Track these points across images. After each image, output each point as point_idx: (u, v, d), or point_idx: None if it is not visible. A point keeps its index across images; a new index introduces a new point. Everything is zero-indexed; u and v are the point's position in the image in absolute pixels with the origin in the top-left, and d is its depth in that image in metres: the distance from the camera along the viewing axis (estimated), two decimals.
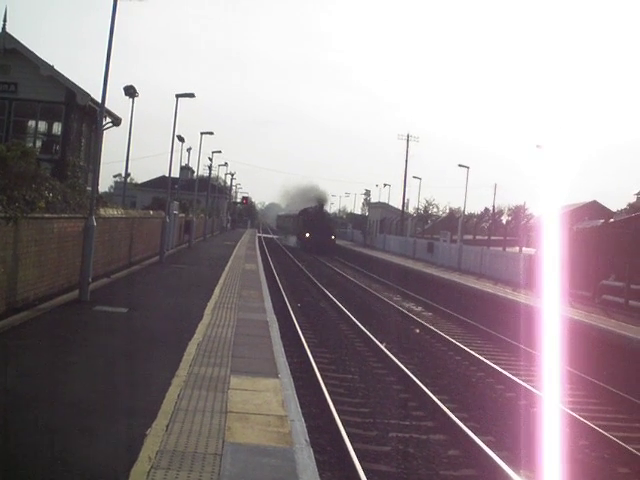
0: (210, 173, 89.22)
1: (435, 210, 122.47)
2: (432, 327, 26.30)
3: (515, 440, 12.81)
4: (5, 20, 29.88)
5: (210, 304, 19.69)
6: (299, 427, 8.92)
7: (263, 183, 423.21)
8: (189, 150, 64.14)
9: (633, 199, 75.88)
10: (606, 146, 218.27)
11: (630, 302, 29.03)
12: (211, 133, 57.90)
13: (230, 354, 13.01)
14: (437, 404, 14.52)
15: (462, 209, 79.68)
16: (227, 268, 33.09)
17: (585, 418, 14.46)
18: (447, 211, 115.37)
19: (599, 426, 13.96)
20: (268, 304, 21.26)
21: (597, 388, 17.99)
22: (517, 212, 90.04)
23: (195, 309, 18.42)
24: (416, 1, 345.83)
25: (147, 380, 10.63)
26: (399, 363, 18.49)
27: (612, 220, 39.79)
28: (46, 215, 17.84)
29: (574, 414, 14.62)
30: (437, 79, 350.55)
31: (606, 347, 21.12)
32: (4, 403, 8.82)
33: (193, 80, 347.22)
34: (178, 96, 37.25)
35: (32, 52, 30.20)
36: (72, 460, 7.11)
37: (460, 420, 13.40)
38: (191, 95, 37.46)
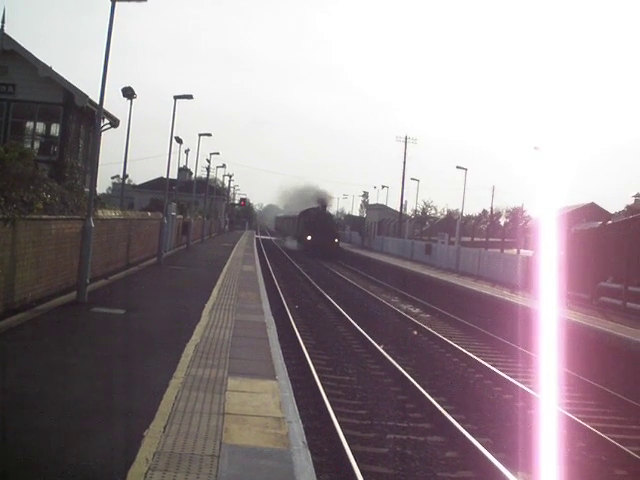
0: (208, 175, 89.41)
1: (433, 212, 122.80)
2: (430, 329, 26.28)
3: (512, 442, 12.80)
4: (3, 21, 29.86)
5: (208, 306, 19.69)
6: (296, 429, 8.92)
7: (261, 185, 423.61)
8: (187, 152, 63.97)
9: (631, 201, 75.89)
10: (604, 148, 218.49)
11: (628, 304, 29.05)
12: (209, 134, 57.90)
13: (228, 356, 13.01)
14: (434, 406, 14.52)
15: (460, 211, 79.53)
16: (225, 270, 33.08)
17: (583, 420, 14.46)
18: (445, 213, 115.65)
19: (597, 428, 13.96)
20: (266, 306, 21.26)
21: (595, 390, 17.98)
22: (515, 214, 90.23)
23: (193, 311, 18.41)
24: (414, 2, 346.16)
25: (145, 381, 10.63)
26: (397, 365, 18.47)
27: (610, 222, 39.82)
28: (44, 216, 17.84)
29: (572, 416, 14.62)
30: (435, 80, 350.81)
31: (604, 349, 21.14)
32: (2, 404, 8.81)
33: (191, 81, 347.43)
34: (176, 97, 37.25)
35: (30, 53, 30.18)
36: (69, 461, 7.11)
37: (458, 422, 13.39)
38: (189, 97, 37.45)
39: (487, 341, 25.10)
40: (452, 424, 13.25)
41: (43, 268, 18.13)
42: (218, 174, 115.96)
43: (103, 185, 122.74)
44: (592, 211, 62.72)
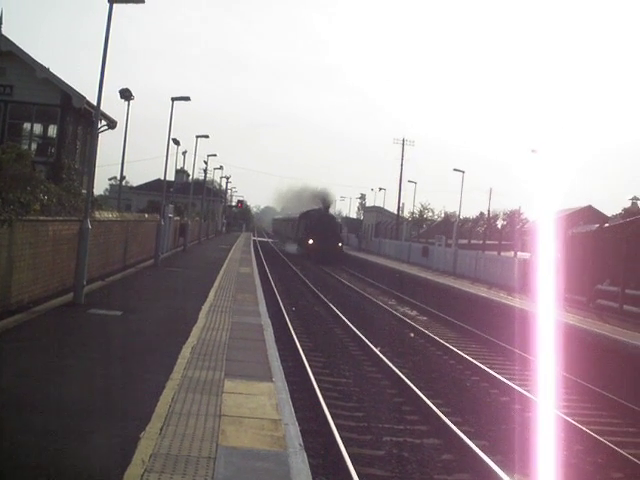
0: (205, 176, 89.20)
1: (430, 214, 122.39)
2: (426, 331, 26.31)
3: (509, 444, 12.82)
4: (0, 22, 29.90)
5: (205, 307, 19.67)
6: (293, 431, 8.91)
7: (258, 187, 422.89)
8: (184, 153, 64.04)
9: (628, 204, 75.99)
10: (601, 151, 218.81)
11: (625, 307, 29.05)
12: (206, 136, 57.88)
13: (224, 357, 13.00)
14: (431, 408, 14.52)
15: (457, 213, 79.57)
16: (222, 271, 33.06)
17: (580, 423, 14.46)
18: (442, 215, 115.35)
19: (594, 431, 13.96)
20: (262, 308, 21.24)
21: (592, 393, 17.99)
22: (512, 216, 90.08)
23: (190, 312, 18.39)
24: (412, 5, 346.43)
25: (141, 383, 10.62)
26: (393, 367, 18.48)
27: (607, 225, 39.82)
28: (41, 218, 17.83)
29: (569, 419, 14.62)
30: (432, 83, 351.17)
31: (601, 352, 21.13)
32: None
33: (189, 83, 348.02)
34: (174, 99, 37.29)
35: (28, 55, 30.19)
36: (66, 462, 7.10)
37: (454, 424, 13.40)
38: (186, 98, 37.49)
39: (484, 344, 25.11)
40: (449, 426, 13.25)
41: (40, 269, 18.12)
42: (215, 176, 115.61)
43: (100, 186, 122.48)
44: (589, 214, 62.75)
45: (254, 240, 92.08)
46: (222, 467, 7.30)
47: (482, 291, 36.54)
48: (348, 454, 11.06)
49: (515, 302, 30.83)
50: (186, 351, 13.23)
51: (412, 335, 26.17)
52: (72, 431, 8.13)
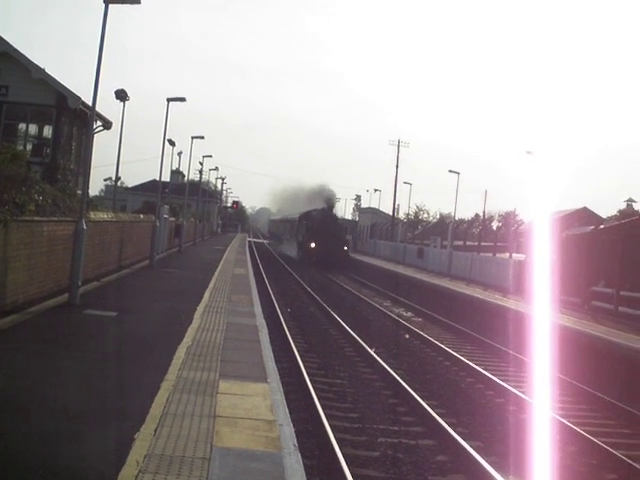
0: (201, 177, 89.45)
1: (425, 216, 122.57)
2: (421, 332, 26.32)
3: (504, 446, 12.83)
4: None
5: (200, 308, 19.68)
6: (288, 432, 8.92)
7: (254, 188, 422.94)
8: (180, 154, 64.09)
9: (623, 206, 76.19)
10: (597, 153, 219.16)
11: (619, 308, 29.09)
12: (202, 137, 57.92)
13: (219, 358, 13.00)
14: (426, 409, 14.53)
15: (452, 215, 79.74)
16: (217, 272, 33.06)
17: (574, 424, 14.48)
18: (437, 217, 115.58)
19: (588, 432, 13.98)
20: (257, 308, 21.25)
21: (586, 394, 18.01)
22: (507, 218, 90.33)
23: (185, 313, 18.40)
24: (408, 7, 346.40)
25: (136, 384, 10.62)
26: (388, 368, 18.49)
27: (602, 226, 39.89)
28: (36, 218, 17.82)
29: (563, 420, 14.64)
30: (428, 85, 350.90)
31: (595, 353, 21.16)
32: None
33: (184, 84, 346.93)
34: (169, 100, 37.27)
35: (23, 55, 30.18)
36: (60, 464, 7.10)
37: (449, 425, 13.41)
38: (182, 99, 37.49)
39: (479, 345, 25.13)
40: (443, 428, 13.27)
41: (35, 270, 18.11)
42: (211, 177, 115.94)
43: (95, 187, 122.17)
44: (584, 215, 62.94)
45: (249, 241, 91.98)
46: (217, 468, 7.30)
47: (477, 292, 36.56)
48: (343, 455, 11.06)
49: (510, 303, 30.85)
50: (181, 352, 13.24)
51: (407, 336, 26.19)
52: (66, 432, 8.13)
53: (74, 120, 32.20)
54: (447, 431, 13.03)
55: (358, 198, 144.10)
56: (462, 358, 21.24)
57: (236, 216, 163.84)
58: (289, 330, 23.12)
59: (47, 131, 32.26)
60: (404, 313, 34.16)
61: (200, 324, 16.87)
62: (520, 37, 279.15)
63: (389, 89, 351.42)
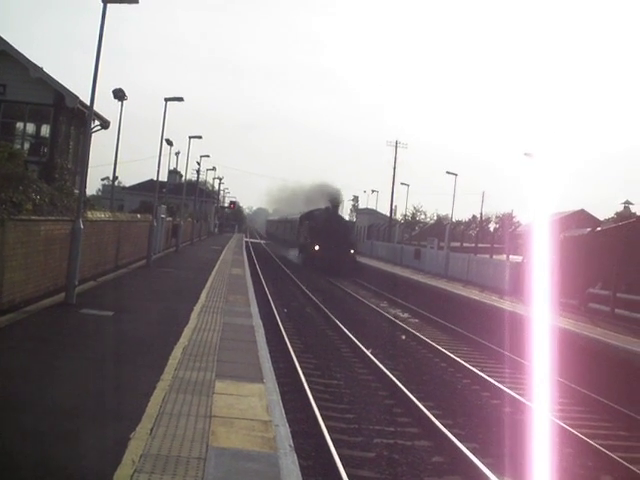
0: (198, 177, 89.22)
1: (423, 217, 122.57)
2: (418, 334, 26.32)
3: (500, 447, 12.83)
4: None
5: (196, 308, 19.66)
6: (283, 432, 8.92)
7: (251, 188, 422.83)
8: (177, 154, 63.99)
9: (620, 208, 76.21)
10: (594, 156, 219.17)
11: (616, 311, 29.12)
12: (199, 137, 57.87)
13: (215, 358, 13.00)
14: (422, 411, 14.53)
15: (450, 216, 79.67)
16: (214, 272, 33.04)
17: (570, 426, 14.49)
18: (435, 218, 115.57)
19: (584, 434, 13.99)
20: (254, 309, 21.25)
21: (582, 396, 18.03)
22: (504, 220, 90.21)
23: (181, 313, 18.38)
24: (406, 8, 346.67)
25: (132, 384, 10.61)
26: (385, 369, 18.49)
27: (599, 228, 39.94)
28: (33, 217, 17.80)
29: (559, 422, 14.65)
30: (426, 86, 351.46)
31: (592, 355, 21.18)
32: None
33: (182, 83, 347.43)
34: (167, 100, 37.31)
35: (21, 54, 30.16)
36: (55, 463, 7.09)
37: (445, 427, 13.42)
38: (180, 99, 37.53)
39: (475, 346, 25.14)
40: (439, 429, 13.27)
41: (32, 269, 18.08)
42: (208, 177, 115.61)
43: (93, 187, 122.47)
44: (582, 217, 62.92)
45: (247, 241, 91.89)
46: (212, 468, 7.30)
47: (474, 294, 36.59)
48: (339, 456, 11.06)
49: (507, 305, 30.87)
50: (177, 352, 13.23)
51: (404, 337, 26.19)
52: (62, 431, 8.12)
53: (72, 119, 32.17)
54: (443, 432, 13.04)
55: (355, 199, 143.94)
56: (458, 359, 21.25)
57: (233, 216, 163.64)
58: (285, 330, 23.12)
59: (45, 130, 32.22)
60: (401, 314, 34.16)
61: (197, 324, 16.86)
62: (519, 39, 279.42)
63: (387, 90, 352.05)
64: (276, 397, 10.77)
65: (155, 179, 41.72)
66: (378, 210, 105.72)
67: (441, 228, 71.93)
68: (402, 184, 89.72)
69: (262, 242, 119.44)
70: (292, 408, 13.55)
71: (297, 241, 73.37)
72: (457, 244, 58.63)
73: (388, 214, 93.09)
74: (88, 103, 19.90)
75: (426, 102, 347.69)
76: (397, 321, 30.06)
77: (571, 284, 32.37)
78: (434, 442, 12.97)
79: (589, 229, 38.31)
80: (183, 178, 77.39)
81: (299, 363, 18.08)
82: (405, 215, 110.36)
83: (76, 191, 24.83)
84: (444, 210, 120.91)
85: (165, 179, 61.15)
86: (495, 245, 49.44)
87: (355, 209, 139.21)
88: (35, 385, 10.09)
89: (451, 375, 19.81)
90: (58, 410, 8.94)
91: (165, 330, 15.73)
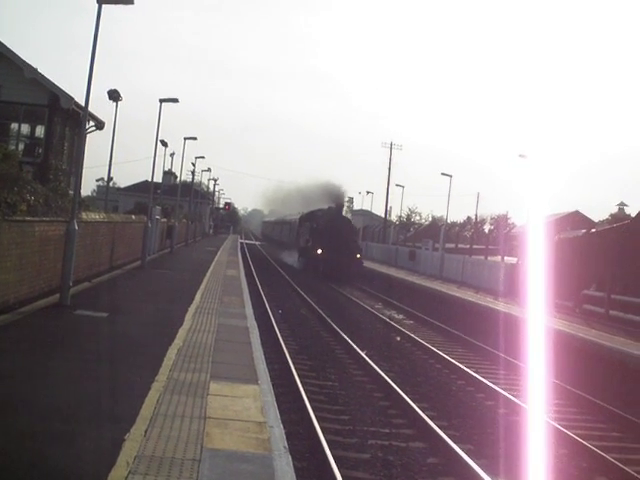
0: (193, 178, 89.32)
1: (417, 218, 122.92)
2: (413, 335, 26.33)
3: (494, 448, 12.84)
4: None
5: (191, 309, 19.66)
6: (278, 433, 8.92)
7: (246, 189, 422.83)
8: (172, 155, 64.22)
9: (615, 209, 76.46)
10: (589, 158, 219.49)
11: (611, 312, 29.16)
12: (194, 138, 57.97)
13: (210, 360, 12.99)
14: (417, 412, 14.53)
15: (445, 217, 79.83)
16: (208, 273, 33.04)
17: (565, 427, 14.51)
18: (429, 219, 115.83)
19: (579, 435, 14.01)
20: (249, 310, 21.24)
21: (577, 397, 18.04)
22: (499, 221, 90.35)
23: (176, 314, 18.37)
24: (400, 10, 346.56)
25: (127, 385, 10.59)
26: (379, 371, 18.49)
27: (594, 230, 40.00)
28: (27, 218, 17.77)
29: (554, 423, 14.67)
30: (420, 87, 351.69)
31: (586, 357, 21.21)
32: None
33: (177, 85, 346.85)
34: (162, 101, 37.27)
35: (16, 54, 30.08)
36: (49, 465, 7.08)
37: (440, 428, 13.42)
38: (175, 100, 37.50)
39: (470, 348, 25.15)
40: (434, 430, 13.27)
41: (26, 270, 18.06)
42: (203, 178, 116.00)
43: (88, 188, 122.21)
44: (576, 219, 63.13)
45: (241, 243, 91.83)
46: (207, 469, 7.29)
47: (469, 295, 36.63)
48: (333, 457, 11.05)
49: (501, 306, 30.91)
50: (172, 353, 13.22)
51: (398, 339, 26.19)
52: (56, 433, 8.10)
53: (67, 120, 32.12)
54: (438, 434, 13.04)
55: (350, 200, 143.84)
56: (453, 361, 21.26)
57: (228, 217, 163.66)
58: (280, 332, 23.10)
59: (39, 131, 32.15)
60: (395, 315, 34.15)
61: (191, 325, 16.85)
62: (515, 41, 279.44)
63: (382, 92, 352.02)
64: (271, 398, 10.77)
65: (150, 180, 41.69)
66: (373, 211, 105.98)
67: (436, 229, 72.09)
68: (397, 185, 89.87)
69: (257, 243, 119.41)
70: (287, 409, 13.55)
71: (296, 244, 67.53)
72: (452, 245, 58.69)
73: (383, 215, 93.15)
74: (83, 104, 19.87)
75: (421, 104, 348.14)
76: (392, 322, 30.06)
77: (566, 286, 32.41)
78: (429, 443, 12.97)
79: (584, 231, 38.38)
80: (178, 179, 77.45)
81: (294, 364, 18.07)
82: (400, 216, 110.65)
83: (71, 192, 24.79)
84: (439, 211, 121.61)
85: (160, 180, 61.05)
86: (490, 246, 49.55)
87: (350, 210, 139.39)
88: (29, 386, 10.07)
89: (446, 376, 19.82)
90: (52, 411, 8.92)
91: (160, 331, 15.72)
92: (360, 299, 40.03)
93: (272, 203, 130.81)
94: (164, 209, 55.17)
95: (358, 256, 53.96)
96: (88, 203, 33.69)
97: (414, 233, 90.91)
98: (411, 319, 33.16)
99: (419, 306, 36.47)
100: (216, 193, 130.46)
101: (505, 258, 44.06)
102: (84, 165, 24.06)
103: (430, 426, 13.55)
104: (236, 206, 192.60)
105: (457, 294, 37.09)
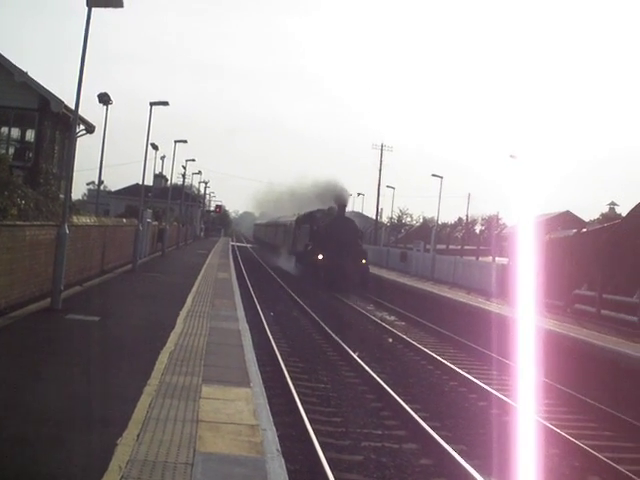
0: (184, 181, 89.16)
1: (409, 219, 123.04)
2: (405, 336, 26.34)
3: (487, 449, 12.85)
4: None
5: (183, 313, 19.64)
6: (271, 436, 8.91)
7: (237, 192, 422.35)
8: (163, 158, 63.94)
9: (606, 209, 76.62)
10: (580, 158, 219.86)
11: (602, 312, 29.22)
12: (185, 141, 57.93)
13: (202, 363, 12.98)
14: (409, 413, 14.54)
15: (436, 218, 79.86)
16: (200, 276, 33.01)
17: (556, 427, 14.52)
18: (421, 220, 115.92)
19: (570, 435, 14.03)
20: (240, 313, 21.22)
21: (568, 397, 18.07)
22: (490, 222, 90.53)
23: (167, 318, 18.35)
24: (389, 11, 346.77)
25: (118, 389, 10.57)
26: (371, 372, 18.50)
27: (585, 230, 40.07)
28: (18, 223, 17.74)
29: (546, 422, 14.69)
30: (410, 89, 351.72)
31: (578, 356, 21.25)
32: None
33: (167, 88, 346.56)
34: (152, 104, 37.23)
35: (6, 58, 29.98)
36: (41, 470, 7.06)
37: (432, 429, 13.42)
38: (165, 103, 37.47)
39: (462, 348, 25.17)
40: (426, 431, 13.28)
41: (17, 274, 18.01)
42: (194, 181, 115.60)
43: (78, 191, 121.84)
44: (567, 219, 63.21)
45: (233, 245, 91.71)
46: (199, 473, 7.28)
47: (460, 296, 36.67)
48: (326, 459, 11.05)
49: (493, 307, 30.97)
50: (164, 357, 13.20)
51: (390, 340, 26.20)
52: (47, 438, 8.08)
53: (57, 124, 32.04)
54: (430, 435, 13.04)
55: None
56: (445, 361, 21.28)
57: (219, 220, 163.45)
58: (272, 334, 23.09)
59: (30, 135, 32.05)
60: (387, 317, 34.18)
61: (183, 329, 16.83)
62: (504, 43, 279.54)
63: (372, 94, 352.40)
64: (263, 401, 10.76)
65: (141, 183, 41.66)
66: (364, 213, 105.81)
67: (427, 230, 72.15)
68: (388, 187, 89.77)
69: (249, 246, 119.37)
70: (279, 412, 13.54)
71: (292, 248, 62.01)
72: (443, 246, 58.77)
73: (374, 217, 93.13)
74: (73, 107, 19.83)
75: (411, 105, 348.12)
76: (384, 324, 30.06)
77: (557, 285, 32.49)
78: (421, 444, 12.98)
79: (575, 230, 38.43)
80: (169, 182, 77.28)
81: (286, 367, 18.07)
82: (391, 218, 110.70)
83: (61, 196, 24.77)
84: (430, 212, 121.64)
85: (151, 183, 61.05)
86: (481, 247, 49.71)
87: None
88: (20, 391, 10.05)
89: (438, 377, 19.83)
90: (43, 416, 8.90)
91: (151, 335, 15.68)
92: (352, 300, 40.03)
93: (263, 205, 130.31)
94: (155, 212, 55.14)
95: (364, 261, 48.25)
96: (79, 207, 33.67)
97: (405, 234, 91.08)
98: (403, 320, 33.18)
99: (411, 307, 36.49)
100: (207, 196, 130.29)
101: (496, 258, 44.12)
102: (74, 169, 23.96)
103: (422, 427, 13.56)
104: (227, 209, 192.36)
105: (448, 295, 37.13)
